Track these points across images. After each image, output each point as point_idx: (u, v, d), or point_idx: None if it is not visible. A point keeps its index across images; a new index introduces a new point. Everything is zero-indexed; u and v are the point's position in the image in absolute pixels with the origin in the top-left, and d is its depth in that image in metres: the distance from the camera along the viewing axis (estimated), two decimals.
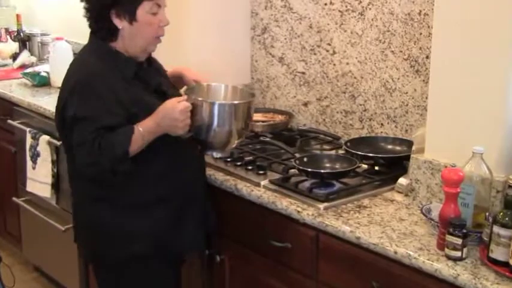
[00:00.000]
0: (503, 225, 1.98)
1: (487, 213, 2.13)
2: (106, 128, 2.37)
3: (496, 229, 1.99)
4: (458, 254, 2.05)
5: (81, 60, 2.59)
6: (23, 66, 4.61)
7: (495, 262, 2.00)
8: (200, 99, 2.47)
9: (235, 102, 2.59)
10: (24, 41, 4.91)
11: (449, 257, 2.07)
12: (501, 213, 2.00)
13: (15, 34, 5.03)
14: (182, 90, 2.68)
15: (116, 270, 2.61)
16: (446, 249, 2.07)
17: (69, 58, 4.17)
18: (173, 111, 2.37)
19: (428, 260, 2.07)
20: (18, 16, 5.18)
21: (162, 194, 2.54)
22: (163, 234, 2.57)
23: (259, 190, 2.61)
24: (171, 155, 2.52)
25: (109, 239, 2.57)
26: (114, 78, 2.45)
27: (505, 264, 1.98)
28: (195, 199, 2.66)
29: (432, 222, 2.25)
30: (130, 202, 2.52)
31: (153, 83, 2.56)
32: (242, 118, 2.51)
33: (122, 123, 2.39)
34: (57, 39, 4.30)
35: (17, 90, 4.15)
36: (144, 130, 2.38)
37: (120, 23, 2.45)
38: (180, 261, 2.81)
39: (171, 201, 2.56)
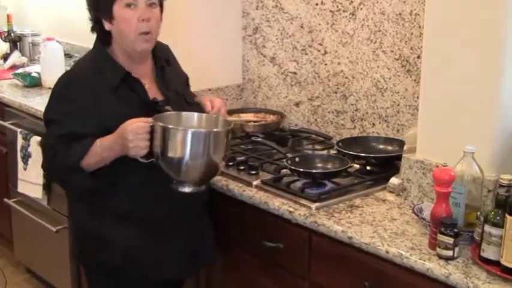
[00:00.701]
0: (495, 225, 1.98)
1: (478, 213, 2.14)
2: (72, 135, 2.30)
3: (488, 228, 2.00)
4: (449, 253, 2.06)
5: (76, 62, 2.58)
6: (14, 67, 4.59)
7: (486, 261, 2.00)
8: (171, 126, 2.27)
9: (214, 130, 2.39)
10: (15, 41, 4.90)
11: (440, 257, 2.07)
12: (492, 213, 2.00)
13: (6, 34, 5.01)
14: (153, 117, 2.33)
15: (94, 275, 2.59)
16: (437, 249, 2.08)
17: (61, 58, 4.18)
18: (124, 130, 2.22)
19: (420, 259, 2.08)
20: (8, 16, 5.16)
21: (134, 209, 2.41)
22: (135, 251, 2.45)
23: (251, 190, 2.61)
24: (146, 171, 2.33)
25: (85, 242, 2.55)
26: (98, 85, 2.35)
27: (496, 263, 1.98)
28: (179, 225, 2.50)
29: (424, 221, 2.26)
30: (107, 209, 2.43)
31: (142, 94, 2.41)
32: (221, 149, 2.33)
33: (93, 133, 2.30)
34: (48, 39, 4.28)
35: (8, 91, 4.13)
36: (102, 145, 2.27)
37: (107, 25, 2.39)
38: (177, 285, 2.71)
39: (142, 218, 2.42)
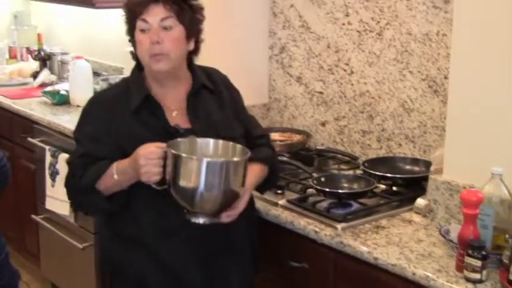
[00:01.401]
0: None
1: (506, 235, 2.12)
2: (89, 156, 2.28)
3: None
4: (477, 276, 2.03)
5: (110, 85, 2.57)
6: (43, 85, 4.63)
7: None
8: (184, 155, 2.12)
9: (232, 159, 2.23)
10: (45, 59, 4.95)
11: (468, 279, 2.05)
12: None
13: (36, 53, 5.07)
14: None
15: None
16: (465, 271, 2.05)
17: (89, 77, 4.22)
18: (137, 155, 2.15)
19: (447, 281, 2.05)
20: (39, 35, 5.24)
21: (143, 236, 2.30)
22: (147, 280, 2.33)
23: (277, 210, 2.60)
24: (160, 198, 2.21)
25: (105, 260, 2.52)
26: (120, 108, 2.31)
27: None
28: (192, 262, 2.32)
29: (451, 243, 2.24)
30: (122, 234, 2.37)
31: (161, 119, 2.32)
32: (239, 178, 2.18)
33: (109, 155, 2.25)
34: (77, 58, 4.33)
35: (37, 109, 4.17)
36: (117, 169, 2.21)
37: (134, 49, 2.36)
38: None
39: (151, 247, 2.30)
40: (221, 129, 2.35)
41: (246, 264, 2.46)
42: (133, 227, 2.32)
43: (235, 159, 2.23)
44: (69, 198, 2.40)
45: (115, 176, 2.21)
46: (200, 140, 2.28)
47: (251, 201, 2.45)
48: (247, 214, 2.34)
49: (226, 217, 2.21)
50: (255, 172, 2.37)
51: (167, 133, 2.27)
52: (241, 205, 2.24)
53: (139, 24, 2.26)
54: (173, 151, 2.11)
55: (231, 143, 2.28)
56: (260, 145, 2.48)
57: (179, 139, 2.23)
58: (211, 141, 2.28)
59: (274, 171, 2.51)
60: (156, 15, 2.24)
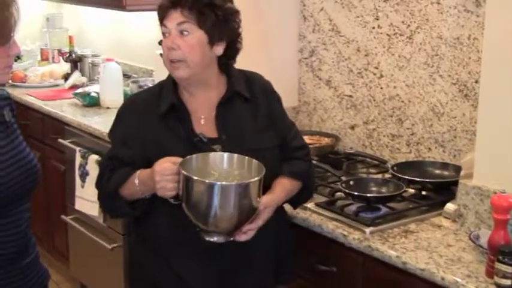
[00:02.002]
0: None
1: None
2: (116, 159, 2.29)
3: None
4: (508, 282, 2.01)
5: (146, 87, 2.55)
6: (74, 87, 4.67)
7: None
8: (195, 177, 2.05)
9: (246, 182, 2.11)
10: (76, 62, 5.00)
11: (499, 286, 2.03)
12: None
13: (67, 55, 5.14)
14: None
15: None
16: (495, 277, 2.04)
17: (119, 79, 4.25)
18: (153, 170, 2.12)
19: (476, 287, 2.04)
20: (70, 38, 5.30)
21: (158, 248, 2.30)
22: (161, 283, 2.32)
23: (305, 213, 2.60)
24: (176, 211, 2.16)
25: (129, 260, 2.54)
26: (149, 112, 2.29)
27: None
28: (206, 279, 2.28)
29: (481, 249, 2.22)
30: (143, 236, 2.38)
31: (185, 127, 2.28)
32: (255, 197, 2.11)
33: (133, 159, 2.25)
34: (108, 60, 4.37)
35: (68, 110, 4.22)
36: (139, 178, 2.19)
37: None
38: None
39: (167, 254, 2.28)
40: (248, 140, 2.29)
41: (264, 277, 2.38)
42: (152, 234, 2.31)
43: (249, 180, 2.12)
44: (98, 199, 2.41)
45: (137, 184, 2.20)
46: (213, 155, 2.21)
47: (279, 217, 2.36)
48: (270, 228, 2.27)
49: (244, 235, 2.16)
50: (284, 186, 2.31)
51: (191, 142, 2.25)
52: (258, 222, 2.18)
53: (162, 29, 2.25)
54: (184, 172, 2.06)
55: (246, 157, 2.20)
56: (296, 158, 2.40)
57: (192, 156, 2.16)
58: (225, 155, 2.22)
59: (309, 188, 2.45)
60: (173, 20, 2.20)
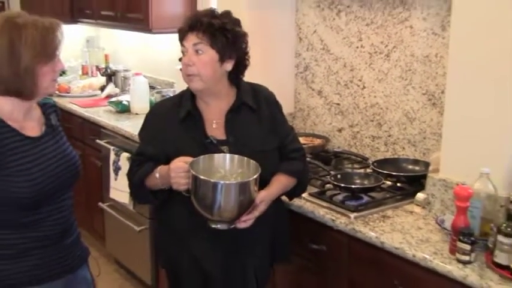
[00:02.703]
0: (506, 235, 1.95)
1: (492, 224, 2.10)
2: (143, 155, 2.29)
3: (500, 238, 1.97)
4: (467, 258, 2.03)
5: (168, 97, 2.54)
6: (109, 96, 4.69)
7: (499, 266, 1.97)
8: (202, 177, 2.04)
9: (246, 180, 2.10)
10: (110, 75, 5.01)
11: (459, 261, 2.04)
12: (504, 225, 1.97)
13: (103, 70, 5.14)
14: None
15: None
16: (457, 254, 2.05)
17: (146, 90, 4.26)
18: (169, 167, 2.14)
19: (441, 262, 2.05)
20: (106, 56, 5.31)
21: (174, 226, 2.31)
22: (177, 260, 2.33)
23: (300, 201, 2.60)
24: (185, 198, 2.15)
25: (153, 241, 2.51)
26: (170, 116, 2.29)
27: (507, 267, 1.95)
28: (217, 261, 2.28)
29: (445, 231, 2.23)
30: (163, 220, 2.38)
31: (199, 130, 2.27)
32: (249, 194, 2.10)
33: (157, 156, 2.25)
34: (136, 74, 4.37)
35: (104, 116, 4.23)
36: (159, 172, 2.19)
37: None
38: None
39: (183, 237, 2.29)
40: (253, 142, 2.27)
41: (263, 258, 2.38)
42: (170, 220, 2.32)
43: (248, 179, 2.10)
44: (128, 187, 2.42)
45: (157, 177, 2.20)
46: (217, 156, 2.20)
47: (277, 205, 2.36)
48: (269, 219, 2.28)
49: (243, 223, 2.15)
50: (281, 182, 2.30)
51: (203, 143, 2.25)
52: (255, 213, 2.17)
53: (181, 48, 2.26)
54: (193, 172, 2.06)
55: (245, 158, 2.19)
56: (293, 158, 2.37)
57: (200, 157, 2.15)
58: (227, 156, 2.20)
59: (302, 183, 2.43)
60: (190, 41, 2.21)
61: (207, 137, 2.27)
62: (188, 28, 2.22)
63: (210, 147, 2.24)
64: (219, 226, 2.13)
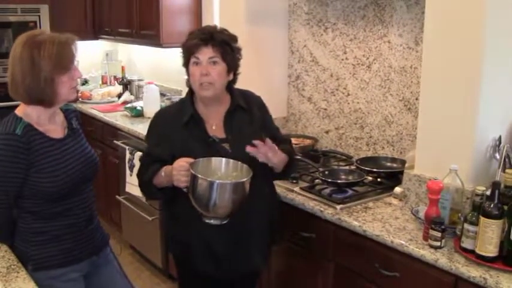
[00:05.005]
0: (471, 223, 1.96)
1: (459, 214, 2.11)
2: (151, 155, 2.27)
3: (466, 226, 1.97)
4: (438, 243, 2.03)
5: (172, 103, 2.52)
6: (125, 102, 4.68)
7: (465, 250, 1.97)
8: (200, 176, 2.01)
9: (240, 181, 2.05)
10: (126, 84, 5.00)
11: (431, 246, 2.05)
12: (470, 214, 1.97)
13: (120, 80, 5.13)
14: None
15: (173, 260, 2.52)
16: (429, 240, 2.06)
17: (157, 97, 4.25)
18: (172, 167, 2.12)
19: (416, 248, 2.06)
20: (122, 67, 5.30)
21: (183, 214, 2.25)
22: (189, 244, 2.30)
23: (293, 194, 2.61)
24: (187, 197, 2.12)
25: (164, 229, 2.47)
26: (174, 121, 2.26)
27: (472, 251, 1.96)
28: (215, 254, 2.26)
29: (419, 220, 2.23)
30: (172, 212, 2.34)
31: (202, 131, 2.24)
32: (241, 194, 2.05)
33: (163, 157, 2.21)
34: (149, 83, 4.37)
35: (120, 119, 4.22)
36: (165, 172, 2.16)
37: (188, 79, 2.30)
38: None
39: (192, 223, 2.23)
40: (247, 139, 2.21)
41: (262, 241, 2.37)
42: (180, 209, 2.28)
43: (241, 180, 2.05)
44: (138, 185, 2.39)
45: (163, 176, 2.17)
46: (214, 159, 2.16)
47: (272, 197, 2.38)
48: (265, 211, 2.30)
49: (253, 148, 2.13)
50: (282, 156, 2.28)
51: (206, 142, 2.23)
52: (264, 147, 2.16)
53: (193, 60, 2.21)
54: (192, 171, 2.03)
55: (239, 162, 2.15)
56: (283, 144, 2.38)
57: (200, 159, 2.12)
58: (223, 160, 2.16)
59: (293, 164, 2.40)
60: (205, 54, 2.18)
61: (209, 136, 2.26)
62: (202, 42, 2.19)
63: (213, 145, 2.23)
64: (212, 221, 2.09)
